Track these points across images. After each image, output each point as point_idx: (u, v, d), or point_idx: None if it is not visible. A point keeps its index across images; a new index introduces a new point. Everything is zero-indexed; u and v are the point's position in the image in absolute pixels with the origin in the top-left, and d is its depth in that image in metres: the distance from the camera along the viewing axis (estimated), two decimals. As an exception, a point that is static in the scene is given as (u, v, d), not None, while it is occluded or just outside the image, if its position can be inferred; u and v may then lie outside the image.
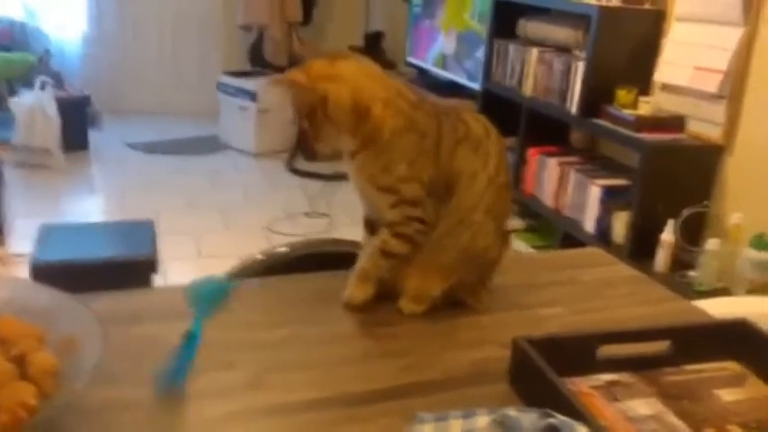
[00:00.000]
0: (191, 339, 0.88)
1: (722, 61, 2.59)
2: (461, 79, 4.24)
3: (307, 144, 0.96)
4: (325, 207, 4.35)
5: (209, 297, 0.87)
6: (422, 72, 4.85)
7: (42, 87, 4.60)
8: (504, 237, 1.03)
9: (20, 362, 0.69)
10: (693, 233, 2.68)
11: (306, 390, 0.81)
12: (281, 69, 5.36)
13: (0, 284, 0.81)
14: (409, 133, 0.94)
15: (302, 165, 4.93)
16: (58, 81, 4.97)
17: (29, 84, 4.80)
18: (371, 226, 1.03)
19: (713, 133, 2.69)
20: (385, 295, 1.02)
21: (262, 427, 0.75)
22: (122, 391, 0.78)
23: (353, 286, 0.99)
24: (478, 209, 0.97)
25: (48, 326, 0.74)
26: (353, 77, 0.93)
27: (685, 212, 2.65)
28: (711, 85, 2.63)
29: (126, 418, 0.74)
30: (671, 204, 2.66)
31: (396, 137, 0.94)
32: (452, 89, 4.27)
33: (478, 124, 0.99)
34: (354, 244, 1.11)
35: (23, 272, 2.88)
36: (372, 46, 5.72)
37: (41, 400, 0.66)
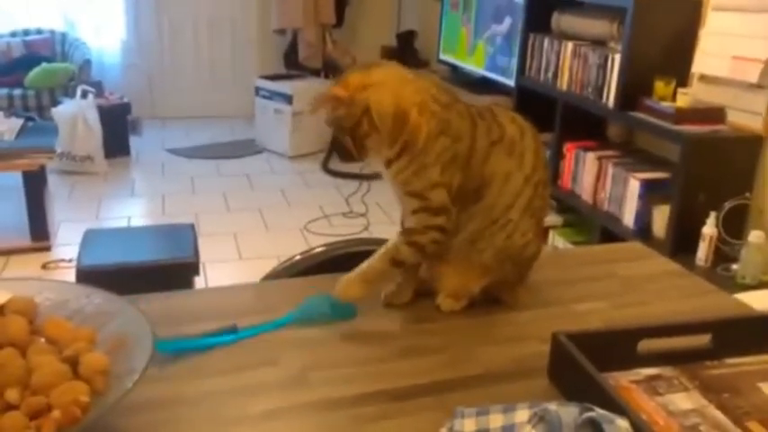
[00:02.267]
0: (226, 333, 0.91)
1: (761, 50, 2.54)
2: (495, 75, 4.22)
3: (343, 146, 0.95)
4: (362, 207, 4.37)
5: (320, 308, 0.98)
6: (455, 69, 4.84)
7: (83, 96, 4.70)
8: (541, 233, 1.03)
9: (72, 362, 0.71)
10: (735, 226, 2.64)
11: (348, 385, 0.83)
12: (315, 72, 5.40)
13: (52, 288, 0.83)
14: (442, 137, 0.93)
15: (338, 165, 4.96)
16: (99, 89, 5.07)
17: (70, 93, 4.92)
18: None
19: (754, 123, 2.64)
20: (423, 293, 1.03)
21: (305, 423, 0.76)
22: (168, 388, 0.80)
23: (352, 282, 0.96)
24: (515, 207, 0.96)
25: (98, 327, 0.77)
26: (390, 83, 0.93)
27: (727, 205, 2.60)
28: (751, 74, 2.58)
29: (171, 415, 0.76)
30: (712, 197, 2.61)
31: (429, 141, 0.92)
32: (486, 85, 4.25)
33: (513, 125, 0.97)
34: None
35: (69, 276, 2.96)
36: (405, 45, 5.73)
37: (93, 398, 0.68)
